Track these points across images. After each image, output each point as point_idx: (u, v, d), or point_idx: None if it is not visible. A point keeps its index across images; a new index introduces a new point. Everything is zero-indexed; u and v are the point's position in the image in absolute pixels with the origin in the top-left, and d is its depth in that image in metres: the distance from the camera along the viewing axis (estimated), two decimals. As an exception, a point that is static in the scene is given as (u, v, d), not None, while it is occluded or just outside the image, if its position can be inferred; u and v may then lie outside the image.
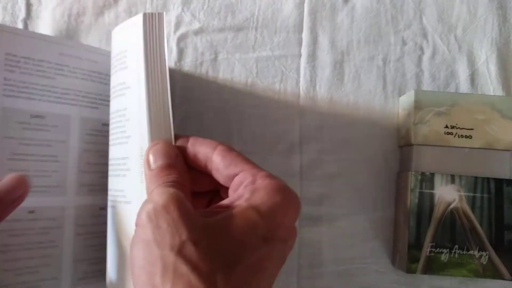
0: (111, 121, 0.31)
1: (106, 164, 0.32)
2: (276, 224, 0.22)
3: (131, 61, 0.27)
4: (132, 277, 0.22)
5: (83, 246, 0.33)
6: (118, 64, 0.29)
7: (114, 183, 0.30)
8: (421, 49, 0.42)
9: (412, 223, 0.36)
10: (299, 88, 0.41)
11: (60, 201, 0.31)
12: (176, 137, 0.27)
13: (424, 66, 0.42)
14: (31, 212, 0.30)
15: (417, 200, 0.36)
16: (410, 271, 0.36)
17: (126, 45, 0.28)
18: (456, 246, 0.36)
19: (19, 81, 0.30)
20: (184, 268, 0.20)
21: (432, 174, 0.36)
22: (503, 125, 0.37)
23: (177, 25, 0.42)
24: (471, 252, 0.36)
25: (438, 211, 0.36)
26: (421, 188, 0.36)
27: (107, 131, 0.31)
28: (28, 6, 0.43)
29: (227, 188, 0.26)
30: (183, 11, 0.43)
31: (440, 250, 0.36)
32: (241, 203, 0.23)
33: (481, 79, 0.41)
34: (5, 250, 0.29)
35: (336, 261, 0.39)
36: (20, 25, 0.42)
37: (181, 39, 0.42)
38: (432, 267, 0.36)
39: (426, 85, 0.41)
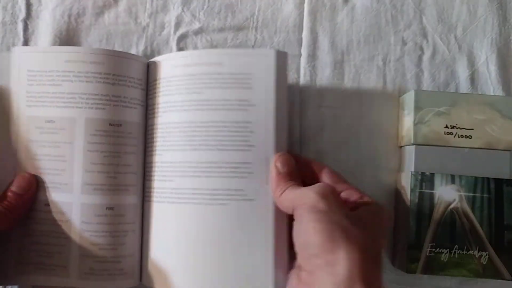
0: (202, 128, 0.34)
1: (114, 164, 0.35)
2: (387, 229, 0.33)
3: (258, 84, 0.34)
4: (304, 237, 0.29)
5: (89, 243, 0.34)
6: (237, 83, 0.34)
7: (224, 183, 0.34)
8: (421, 49, 0.42)
9: (412, 223, 0.36)
10: (299, 88, 0.41)
11: (68, 197, 0.34)
12: (288, 151, 0.34)
13: (424, 66, 0.42)
14: (47, 205, 0.35)
15: (417, 200, 0.36)
16: (410, 271, 0.36)
17: (250, 69, 0.34)
18: (456, 246, 0.36)
19: (36, 92, 0.35)
20: (356, 231, 0.27)
21: (432, 174, 0.36)
22: (503, 125, 0.37)
23: (177, 25, 0.42)
24: (471, 252, 0.36)
25: (438, 211, 0.36)
26: (421, 188, 0.36)
27: (116, 131, 0.35)
28: (28, 6, 0.43)
29: None
30: (183, 11, 0.43)
31: (440, 250, 0.36)
32: (365, 208, 0.31)
33: (481, 79, 0.41)
34: (31, 234, 0.35)
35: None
36: (20, 25, 0.43)
37: (181, 39, 0.42)
38: (432, 267, 0.36)
39: (426, 85, 0.41)
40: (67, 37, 0.42)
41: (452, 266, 0.36)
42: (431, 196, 0.36)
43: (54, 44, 0.42)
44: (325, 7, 0.43)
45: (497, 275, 0.36)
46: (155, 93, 0.36)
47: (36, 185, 0.34)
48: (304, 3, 0.42)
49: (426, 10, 0.42)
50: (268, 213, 0.33)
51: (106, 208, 0.35)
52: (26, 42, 0.42)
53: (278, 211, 0.33)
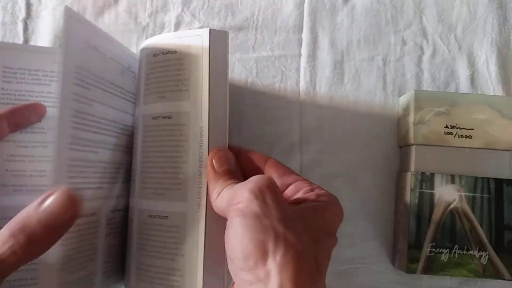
0: (151, 123, 0.31)
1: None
2: (336, 224, 0.27)
3: (192, 72, 0.30)
4: (233, 245, 0.24)
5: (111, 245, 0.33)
6: (172, 68, 0.31)
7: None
8: (421, 49, 0.42)
9: (412, 223, 0.36)
10: (299, 88, 0.41)
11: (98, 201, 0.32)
12: (229, 146, 0.31)
13: (424, 66, 0.42)
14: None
15: (417, 200, 0.36)
16: (410, 271, 0.36)
17: (185, 58, 0.30)
18: (456, 246, 0.36)
19: (15, 90, 0.33)
20: (292, 238, 0.23)
21: (432, 174, 0.36)
22: (503, 125, 0.37)
23: (177, 25, 0.42)
24: (471, 252, 0.36)
25: (438, 211, 0.36)
26: (421, 188, 0.36)
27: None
28: (28, 6, 0.43)
29: None
30: (183, 11, 0.43)
31: (440, 250, 0.36)
32: (312, 201, 0.27)
33: (481, 79, 0.41)
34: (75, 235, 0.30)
35: (336, 261, 0.39)
36: (20, 25, 0.43)
37: (181, 39, 0.42)
38: (432, 267, 0.36)
39: (426, 85, 0.41)
40: (67, 37, 0.42)
41: (452, 266, 0.36)
42: (431, 196, 0.36)
43: (54, 44, 0.42)
44: (325, 7, 0.43)
45: (497, 275, 0.36)
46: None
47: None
48: (304, 3, 0.42)
49: (426, 10, 0.42)
50: (200, 219, 0.29)
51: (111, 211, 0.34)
52: (26, 42, 0.42)
53: (213, 219, 0.29)
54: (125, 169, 0.34)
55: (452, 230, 0.36)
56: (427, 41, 0.42)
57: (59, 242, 0.24)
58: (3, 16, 0.43)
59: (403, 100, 0.40)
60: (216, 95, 0.30)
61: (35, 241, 0.23)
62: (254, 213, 0.24)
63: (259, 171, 0.30)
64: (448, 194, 0.36)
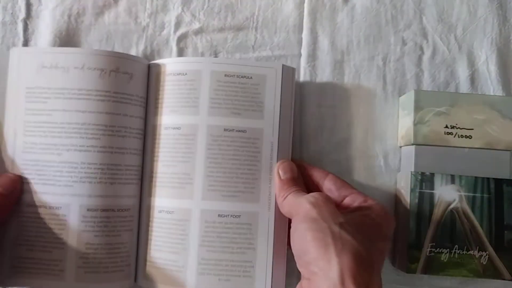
0: (222, 133, 0.36)
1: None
2: (389, 230, 0.33)
3: (266, 97, 0.36)
4: (300, 245, 0.29)
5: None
6: (248, 91, 0.37)
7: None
8: (421, 49, 0.42)
9: (412, 223, 0.36)
10: (299, 88, 0.41)
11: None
12: (292, 159, 0.37)
13: (424, 66, 0.42)
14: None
15: (417, 200, 0.36)
16: (410, 271, 0.36)
17: (260, 84, 0.37)
18: (456, 246, 0.36)
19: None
20: (347, 236, 0.28)
21: (432, 174, 0.36)
22: (503, 125, 0.37)
23: (177, 25, 0.42)
24: (471, 252, 0.36)
25: (438, 211, 0.36)
26: (421, 188, 0.36)
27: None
28: (28, 6, 0.43)
29: None
30: (183, 11, 0.43)
31: (440, 250, 0.36)
32: (365, 210, 0.32)
33: (481, 79, 0.41)
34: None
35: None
36: (20, 25, 0.42)
37: (181, 39, 0.42)
38: (432, 267, 0.36)
39: (426, 85, 0.41)
40: (67, 37, 0.42)
41: (452, 266, 0.36)
42: (431, 196, 0.36)
43: (54, 44, 0.42)
44: (325, 7, 0.43)
45: (497, 275, 0.36)
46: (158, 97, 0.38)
47: (20, 186, 0.35)
48: (304, 3, 0.42)
49: (426, 10, 0.42)
50: (270, 217, 0.35)
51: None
52: (26, 42, 0.42)
53: (280, 216, 0.35)
54: (107, 168, 0.35)
55: (452, 230, 0.36)
56: (427, 41, 0.42)
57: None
58: (3, 16, 0.43)
59: (403, 100, 0.40)
60: (284, 118, 0.36)
61: None
62: (314, 218, 0.29)
63: (319, 184, 0.36)
64: (448, 194, 0.36)
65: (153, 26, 0.43)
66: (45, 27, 0.42)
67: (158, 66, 0.38)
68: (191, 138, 0.36)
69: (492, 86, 0.41)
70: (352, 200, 0.34)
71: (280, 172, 0.35)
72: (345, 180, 0.35)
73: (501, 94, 0.41)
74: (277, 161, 0.36)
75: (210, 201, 0.35)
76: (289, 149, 0.37)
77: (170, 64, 0.37)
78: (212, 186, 0.35)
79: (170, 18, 0.43)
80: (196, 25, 0.43)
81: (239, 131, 0.36)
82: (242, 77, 0.36)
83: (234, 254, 0.35)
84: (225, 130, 0.36)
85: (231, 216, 0.35)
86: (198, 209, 0.35)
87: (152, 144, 0.37)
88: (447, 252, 0.36)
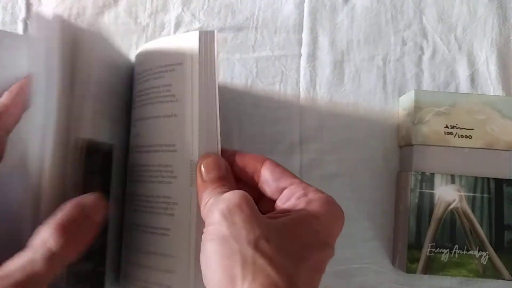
0: (143, 127, 0.31)
1: None
2: (330, 233, 0.25)
3: (183, 73, 0.29)
4: (205, 272, 0.23)
5: None
6: (164, 74, 0.30)
7: (154, 189, 0.30)
8: (421, 49, 0.42)
9: (412, 223, 0.36)
10: (299, 88, 0.41)
11: None
12: (222, 151, 0.29)
13: (424, 66, 0.42)
14: None
15: (417, 200, 0.36)
16: (410, 271, 0.36)
17: (179, 58, 0.30)
18: (456, 246, 0.36)
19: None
20: (262, 261, 0.21)
21: (432, 174, 0.36)
22: (503, 125, 0.37)
23: (177, 25, 0.42)
24: (471, 252, 0.36)
25: (438, 211, 0.36)
26: (421, 188, 0.36)
27: None
28: (28, 6, 0.43)
29: (268, 200, 0.28)
30: (183, 11, 0.43)
31: (440, 250, 0.36)
32: (299, 211, 0.25)
33: (481, 79, 0.41)
34: None
35: (335, 261, 0.39)
36: (20, 25, 0.42)
37: (181, 39, 0.42)
38: (432, 267, 0.36)
39: (426, 85, 0.41)
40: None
41: (452, 266, 0.36)
42: (431, 196, 0.36)
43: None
44: (325, 7, 0.43)
45: (497, 275, 0.36)
46: None
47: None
48: (304, 3, 0.42)
49: (426, 10, 0.42)
50: (191, 225, 0.28)
51: None
52: (26, 42, 0.42)
53: (203, 225, 0.27)
54: None
55: (452, 230, 0.36)
56: (427, 41, 0.42)
57: None
58: (3, 16, 0.43)
59: (403, 100, 0.40)
60: (206, 99, 0.29)
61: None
62: (222, 237, 0.23)
63: (255, 175, 0.29)
64: (448, 194, 0.36)
65: (153, 26, 0.43)
66: (45, 27, 0.42)
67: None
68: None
69: (492, 86, 0.41)
70: (290, 193, 0.27)
71: (203, 170, 0.27)
72: (286, 168, 0.29)
73: (501, 94, 0.41)
74: (198, 157, 0.28)
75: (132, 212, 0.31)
76: (215, 140, 0.29)
77: None
78: (132, 195, 0.32)
79: (170, 18, 0.43)
80: (196, 25, 0.43)
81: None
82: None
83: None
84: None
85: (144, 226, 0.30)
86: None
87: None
88: (447, 252, 0.36)
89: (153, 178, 0.30)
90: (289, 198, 0.27)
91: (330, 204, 0.26)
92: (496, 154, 0.37)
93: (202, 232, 0.25)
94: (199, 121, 0.29)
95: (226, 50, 0.42)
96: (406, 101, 0.39)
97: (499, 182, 0.36)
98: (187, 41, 0.29)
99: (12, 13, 0.43)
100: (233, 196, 0.24)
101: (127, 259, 0.32)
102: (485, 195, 0.36)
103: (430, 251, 0.36)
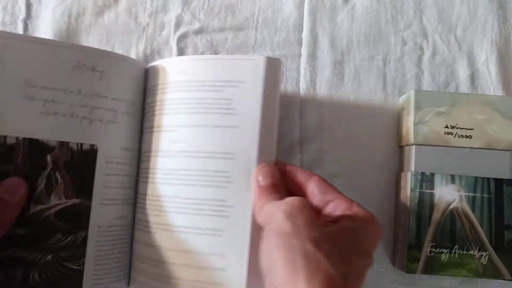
0: (190, 133, 0.33)
1: None
2: (372, 244, 0.28)
3: (246, 91, 0.33)
4: (267, 263, 0.26)
5: None
6: (224, 88, 0.33)
7: (205, 192, 0.32)
8: (421, 49, 0.42)
9: (412, 223, 0.36)
10: (299, 88, 0.41)
11: None
12: (275, 161, 0.33)
13: (424, 66, 0.42)
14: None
15: (417, 200, 0.36)
16: (410, 271, 0.36)
17: (242, 76, 0.33)
18: (456, 246, 0.36)
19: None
20: (321, 258, 0.24)
21: (432, 174, 0.36)
22: (503, 125, 0.37)
23: (177, 25, 0.43)
24: (471, 252, 0.36)
25: (438, 211, 0.36)
26: (421, 188, 0.36)
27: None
28: (28, 6, 0.43)
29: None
30: (183, 11, 0.43)
31: (440, 250, 0.36)
32: (347, 222, 0.28)
33: (481, 79, 0.41)
34: None
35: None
36: (20, 25, 0.42)
37: (181, 39, 0.42)
38: (432, 267, 0.36)
39: (426, 85, 0.41)
40: (67, 37, 0.42)
41: (452, 266, 0.36)
42: (431, 196, 0.36)
43: (54, 44, 0.42)
44: (325, 7, 0.43)
45: (497, 275, 0.36)
46: (147, 98, 0.36)
47: (27, 190, 0.31)
48: (304, 3, 0.42)
49: (426, 10, 0.42)
50: (246, 227, 0.31)
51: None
52: (26, 42, 0.42)
53: (257, 227, 0.30)
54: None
55: (452, 230, 0.36)
56: (427, 41, 0.42)
57: None
58: (3, 16, 0.43)
59: (403, 100, 0.40)
60: (267, 118, 0.32)
61: None
62: (285, 233, 0.25)
63: (302, 187, 0.32)
64: (448, 194, 0.36)
65: (153, 26, 0.43)
66: (45, 27, 0.42)
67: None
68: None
69: (492, 86, 0.41)
70: (336, 206, 0.30)
71: (260, 177, 0.31)
72: (330, 184, 0.32)
73: (501, 94, 0.41)
74: (256, 165, 0.32)
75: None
76: (272, 151, 0.33)
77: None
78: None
79: (170, 18, 0.43)
80: (196, 25, 0.43)
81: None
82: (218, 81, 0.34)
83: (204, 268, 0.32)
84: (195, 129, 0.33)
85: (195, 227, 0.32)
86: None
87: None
88: (447, 252, 0.36)
89: (206, 182, 0.32)
90: (335, 210, 0.30)
91: (372, 218, 0.29)
92: (496, 154, 0.37)
93: (256, 233, 0.30)
94: (259, 134, 0.32)
95: (226, 50, 0.42)
96: (406, 101, 0.39)
97: (499, 182, 0.36)
98: (252, 63, 0.33)
99: (12, 13, 0.43)
100: (296, 200, 0.28)
101: (159, 259, 0.33)
102: (485, 195, 0.36)
103: (430, 251, 0.36)
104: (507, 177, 0.36)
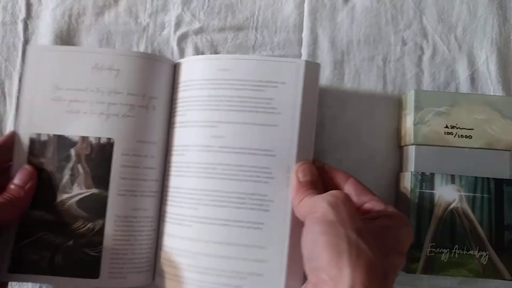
0: (229, 130, 0.35)
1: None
2: (405, 244, 0.30)
3: (287, 92, 0.35)
4: (312, 249, 0.28)
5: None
6: (265, 88, 0.35)
7: (245, 187, 0.34)
8: (421, 49, 0.42)
9: (412, 223, 0.36)
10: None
11: None
12: (313, 160, 0.35)
13: (424, 66, 0.42)
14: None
15: (417, 200, 0.36)
16: (410, 271, 0.36)
17: (283, 77, 0.35)
18: (456, 246, 0.36)
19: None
20: (364, 245, 0.26)
21: (432, 174, 0.36)
22: (503, 125, 0.37)
23: (177, 24, 0.43)
24: (471, 252, 0.36)
25: (438, 211, 0.36)
26: (421, 188, 0.36)
27: None
28: (28, 6, 0.43)
29: None
30: (183, 11, 0.43)
31: (440, 250, 0.36)
32: (383, 221, 0.30)
33: (481, 79, 0.41)
34: None
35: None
36: (20, 25, 0.43)
37: (182, 39, 0.42)
38: (432, 267, 0.36)
39: (426, 85, 0.41)
40: (68, 37, 0.42)
41: (452, 266, 0.36)
42: (431, 196, 0.36)
43: (55, 44, 0.42)
44: (325, 7, 0.43)
45: (497, 275, 0.36)
46: (177, 93, 0.37)
47: (36, 177, 0.35)
48: (304, 3, 0.43)
49: (426, 10, 0.42)
50: (286, 220, 0.33)
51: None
52: (26, 42, 0.42)
53: (296, 220, 0.33)
54: None
55: (452, 230, 0.36)
56: (427, 41, 0.42)
57: None
58: (3, 16, 0.43)
59: (403, 100, 0.40)
60: (306, 118, 0.34)
61: None
62: (330, 221, 0.27)
63: (339, 188, 0.34)
64: (448, 194, 0.36)
65: (153, 26, 0.43)
66: (46, 27, 0.42)
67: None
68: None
69: (492, 86, 0.41)
70: (371, 206, 0.32)
71: (300, 174, 0.33)
72: (366, 186, 0.34)
73: (501, 94, 0.41)
74: (296, 163, 0.34)
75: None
76: (310, 151, 0.35)
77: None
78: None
79: (170, 18, 0.43)
80: (196, 25, 0.43)
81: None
82: (259, 80, 0.35)
83: (242, 257, 0.33)
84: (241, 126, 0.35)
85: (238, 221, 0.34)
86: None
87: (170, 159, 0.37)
88: (447, 252, 0.36)
89: (247, 178, 0.34)
90: (371, 210, 0.32)
91: (406, 220, 0.31)
92: (496, 154, 0.37)
93: (294, 226, 0.33)
94: (299, 133, 0.34)
95: (227, 50, 0.42)
96: (406, 101, 0.39)
97: (499, 182, 0.36)
98: (293, 66, 0.35)
99: (12, 13, 0.43)
100: (339, 193, 0.30)
101: (198, 251, 0.34)
102: (485, 195, 0.36)
103: (430, 251, 0.36)
104: (507, 177, 0.36)
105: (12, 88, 0.42)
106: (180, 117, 0.36)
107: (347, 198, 0.29)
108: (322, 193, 0.31)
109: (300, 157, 0.34)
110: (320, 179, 0.34)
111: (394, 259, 0.28)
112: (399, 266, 0.29)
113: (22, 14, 0.43)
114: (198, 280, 0.34)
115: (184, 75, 0.37)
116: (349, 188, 0.33)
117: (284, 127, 0.34)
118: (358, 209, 0.32)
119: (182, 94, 0.37)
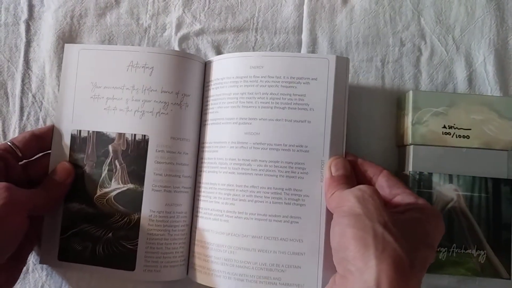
0: (263, 126, 0.35)
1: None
2: (436, 238, 0.30)
3: (319, 87, 0.35)
4: (340, 240, 0.29)
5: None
6: (297, 85, 0.36)
7: (279, 182, 0.35)
8: (419, 50, 0.42)
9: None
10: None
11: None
12: (346, 154, 0.35)
13: (422, 66, 0.42)
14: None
15: (415, 199, 0.36)
16: (408, 269, 0.36)
17: (314, 73, 0.36)
18: (454, 245, 0.36)
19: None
20: (390, 238, 0.26)
21: (430, 174, 0.37)
22: (501, 125, 0.37)
23: (178, 26, 0.43)
24: (469, 251, 0.36)
25: (436, 210, 0.36)
26: (419, 187, 0.37)
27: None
28: (31, 7, 0.43)
29: None
30: (184, 12, 0.43)
31: (438, 249, 0.36)
32: (414, 213, 0.30)
33: (478, 79, 0.42)
34: None
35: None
36: (22, 26, 0.43)
37: (183, 40, 0.43)
38: (430, 266, 0.36)
39: (424, 86, 0.42)
40: (70, 38, 0.43)
41: (450, 265, 0.36)
42: (429, 195, 0.37)
43: (57, 46, 0.42)
44: (324, 9, 0.43)
45: (495, 274, 0.36)
46: (208, 91, 0.38)
47: (74, 175, 0.36)
48: (303, 4, 0.43)
49: (424, 12, 0.43)
50: (321, 213, 0.34)
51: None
52: (28, 43, 0.43)
53: (329, 213, 0.34)
54: None
55: (450, 229, 0.36)
56: (425, 42, 0.42)
57: None
58: (6, 17, 0.43)
59: (401, 100, 0.41)
60: (337, 113, 0.35)
61: None
62: (357, 214, 0.28)
63: (372, 180, 0.34)
64: (446, 194, 0.37)
65: (154, 27, 0.43)
66: (48, 28, 0.43)
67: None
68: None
69: (489, 86, 0.41)
70: (402, 199, 0.32)
71: (332, 168, 0.34)
72: (399, 179, 0.34)
73: (498, 95, 0.41)
74: (329, 157, 0.35)
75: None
76: (342, 145, 0.35)
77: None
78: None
79: (171, 19, 0.43)
80: (197, 26, 0.43)
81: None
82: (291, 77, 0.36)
83: (281, 247, 0.34)
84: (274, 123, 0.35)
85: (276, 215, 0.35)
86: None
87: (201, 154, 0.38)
88: (445, 251, 0.36)
89: (283, 173, 0.35)
90: (401, 202, 0.32)
91: (438, 213, 0.31)
92: (493, 154, 0.37)
93: (329, 219, 0.32)
94: (331, 128, 0.35)
95: (227, 51, 0.43)
96: (404, 101, 0.40)
97: (496, 181, 0.36)
98: (323, 61, 0.36)
99: (14, 14, 0.43)
100: (367, 188, 0.30)
101: (235, 245, 0.35)
102: (483, 195, 0.36)
103: (428, 250, 0.36)
104: (505, 177, 0.37)
105: (15, 88, 0.42)
106: (212, 114, 0.37)
107: (374, 192, 0.30)
108: (355, 185, 0.32)
109: (332, 152, 0.35)
110: (353, 173, 0.34)
111: (423, 252, 0.28)
112: (429, 259, 0.29)
113: (24, 15, 0.43)
114: (237, 274, 0.34)
115: (216, 73, 0.38)
116: (381, 180, 0.34)
117: (317, 122, 0.35)
118: (389, 202, 0.33)
119: (214, 92, 0.37)
